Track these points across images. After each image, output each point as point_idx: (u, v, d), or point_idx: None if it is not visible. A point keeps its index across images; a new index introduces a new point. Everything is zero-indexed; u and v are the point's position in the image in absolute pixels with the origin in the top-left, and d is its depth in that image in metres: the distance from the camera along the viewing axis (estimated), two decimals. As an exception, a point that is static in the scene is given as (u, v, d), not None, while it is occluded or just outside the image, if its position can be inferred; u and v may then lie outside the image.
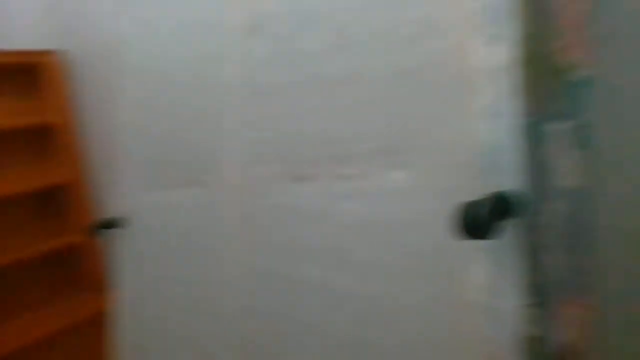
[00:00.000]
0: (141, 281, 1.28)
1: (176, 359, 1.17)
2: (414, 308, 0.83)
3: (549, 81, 0.77)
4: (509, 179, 0.73)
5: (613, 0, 1.07)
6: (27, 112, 1.90)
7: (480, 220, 0.68)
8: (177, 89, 1.18)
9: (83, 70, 1.80)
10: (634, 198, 1.41)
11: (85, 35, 1.69)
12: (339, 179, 0.92)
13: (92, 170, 1.90)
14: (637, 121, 1.36)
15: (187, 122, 1.16)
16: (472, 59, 0.74)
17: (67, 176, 1.90)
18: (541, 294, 0.76)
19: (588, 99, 0.84)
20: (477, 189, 0.73)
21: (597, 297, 0.95)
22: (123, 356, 1.31)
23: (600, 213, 1.33)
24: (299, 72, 0.97)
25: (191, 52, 1.15)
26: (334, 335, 0.91)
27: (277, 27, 1.00)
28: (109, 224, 1.34)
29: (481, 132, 0.74)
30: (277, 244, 1.00)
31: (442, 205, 0.75)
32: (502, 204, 0.72)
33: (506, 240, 0.73)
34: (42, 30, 1.84)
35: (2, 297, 1.82)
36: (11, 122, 1.82)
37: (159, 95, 1.22)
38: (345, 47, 0.91)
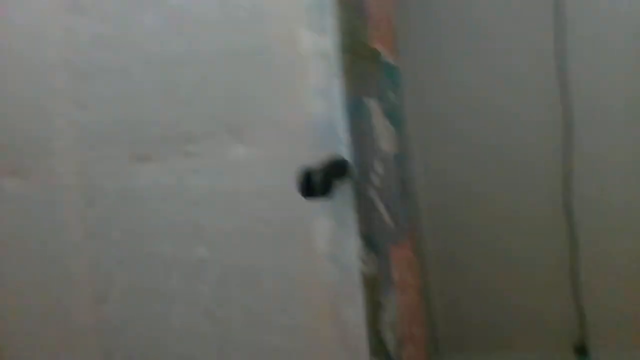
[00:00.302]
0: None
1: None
2: (269, 266, 0.93)
3: (364, 66, 0.92)
4: (340, 147, 0.85)
5: (413, 5, 1.28)
6: None
7: (316, 183, 0.79)
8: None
9: None
10: (436, 164, 1.72)
11: None
12: (185, 157, 0.96)
13: None
14: (434, 102, 1.65)
15: (4, 106, 1.07)
16: (303, 45, 0.84)
17: None
18: (374, 241, 0.92)
19: (395, 82, 1.02)
20: (314, 157, 0.84)
21: (418, 241, 1.15)
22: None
23: (414, 174, 1.59)
24: (133, 53, 0.96)
25: (5, 30, 1.06)
26: (197, 302, 0.97)
27: (104, 6, 0.98)
28: None
29: (314, 108, 0.86)
30: (126, 225, 1.01)
31: (284, 173, 0.85)
32: (336, 168, 0.84)
33: (343, 198, 0.86)
34: None
35: None
36: None
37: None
38: (180, 28, 0.93)
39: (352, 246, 0.88)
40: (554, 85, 1.61)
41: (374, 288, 0.92)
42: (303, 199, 0.81)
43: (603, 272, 1.67)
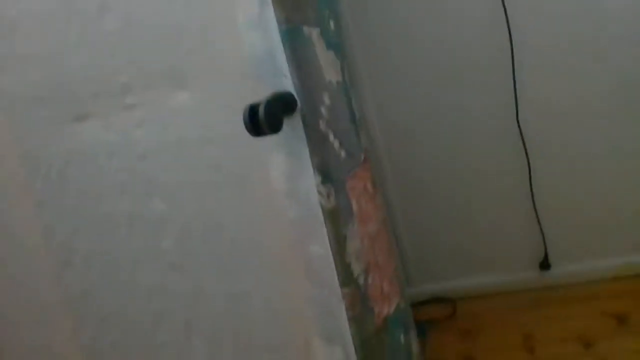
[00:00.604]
0: None
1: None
2: (230, 212, 0.91)
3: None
4: (284, 79, 0.83)
5: None
6: None
7: (262, 118, 0.77)
8: None
9: None
10: (387, 94, 1.71)
11: None
12: (124, 110, 0.92)
13: None
14: (379, 28, 1.62)
15: None
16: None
17: None
18: (330, 173, 0.91)
19: (333, 9, 1.00)
20: (258, 94, 0.81)
21: (377, 171, 1.15)
22: None
23: (365, 106, 1.57)
24: (49, 5, 0.90)
25: None
26: (162, 258, 0.95)
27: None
28: None
29: (250, 41, 0.82)
30: (76, 189, 0.97)
31: (232, 115, 0.82)
32: (282, 102, 0.82)
33: (294, 133, 0.85)
34: None
35: None
36: None
37: None
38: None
39: (310, 181, 0.87)
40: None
41: (337, 221, 0.92)
42: (253, 138, 0.79)
43: (558, 194, 1.73)
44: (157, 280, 0.97)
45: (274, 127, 0.79)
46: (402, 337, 1.15)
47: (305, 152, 0.86)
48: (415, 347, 1.27)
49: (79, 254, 0.99)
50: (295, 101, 0.84)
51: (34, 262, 1.03)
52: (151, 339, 0.99)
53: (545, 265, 1.79)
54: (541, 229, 1.76)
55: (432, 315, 1.81)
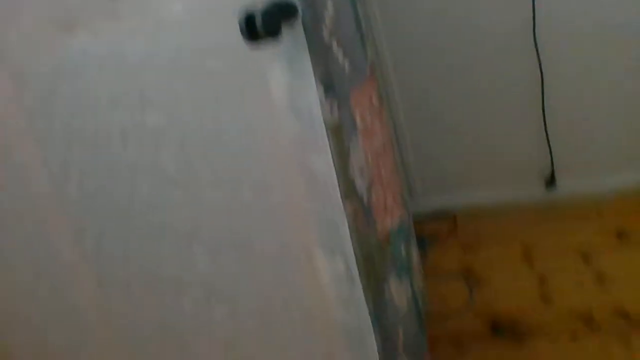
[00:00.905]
0: None
1: None
2: (230, 123, 0.89)
3: None
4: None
5: None
6: None
7: (259, 23, 0.72)
8: None
9: None
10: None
11: None
12: (114, 20, 0.86)
13: None
14: None
15: None
16: None
17: None
18: (334, 86, 0.87)
19: None
20: (256, 0, 0.76)
21: (379, 82, 1.10)
22: None
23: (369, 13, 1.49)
24: None
25: None
26: (162, 170, 0.94)
27: None
28: None
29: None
30: (68, 104, 0.94)
31: (227, 23, 0.76)
32: (282, 7, 0.77)
33: (296, 41, 0.80)
34: None
35: None
36: None
37: None
38: None
39: (312, 93, 0.84)
40: None
41: (340, 134, 0.90)
42: (253, 48, 0.75)
43: (570, 110, 1.70)
44: (157, 193, 0.96)
45: (272, 32, 0.74)
46: (402, 250, 1.17)
47: (307, 62, 0.82)
48: (415, 258, 1.30)
49: (75, 167, 0.98)
50: (295, 7, 0.79)
51: (29, 176, 1.02)
52: (153, 249, 1.01)
53: (551, 182, 1.79)
54: (549, 146, 1.74)
55: (433, 229, 1.84)
